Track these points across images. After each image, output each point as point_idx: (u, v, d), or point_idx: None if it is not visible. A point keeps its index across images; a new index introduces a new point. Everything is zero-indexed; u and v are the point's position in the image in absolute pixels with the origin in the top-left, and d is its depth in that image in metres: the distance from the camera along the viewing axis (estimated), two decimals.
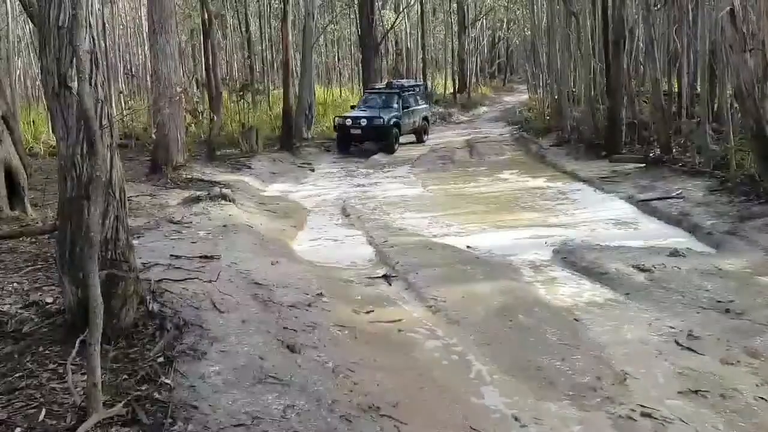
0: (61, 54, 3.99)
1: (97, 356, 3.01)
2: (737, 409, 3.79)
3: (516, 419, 3.75)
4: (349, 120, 17.63)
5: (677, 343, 4.66)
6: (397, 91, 19.04)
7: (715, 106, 12.69)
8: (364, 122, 17.46)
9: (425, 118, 20.46)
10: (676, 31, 13.09)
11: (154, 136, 13.48)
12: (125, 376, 3.60)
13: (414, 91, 20.21)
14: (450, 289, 5.83)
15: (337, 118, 18.37)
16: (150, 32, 12.65)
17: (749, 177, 8.79)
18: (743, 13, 7.91)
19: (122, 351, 3.89)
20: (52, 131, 4.41)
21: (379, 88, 19.95)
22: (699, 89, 14.19)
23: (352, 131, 17.53)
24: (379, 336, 4.88)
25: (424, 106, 20.66)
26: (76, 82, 3.96)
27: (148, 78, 20.72)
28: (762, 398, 3.89)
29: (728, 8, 7.94)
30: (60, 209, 4.15)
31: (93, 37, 4.12)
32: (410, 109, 19.17)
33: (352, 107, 19.35)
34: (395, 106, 18.51)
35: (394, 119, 18.04)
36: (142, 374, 3.60)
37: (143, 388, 3.47)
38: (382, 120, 17.55)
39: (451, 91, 30.84)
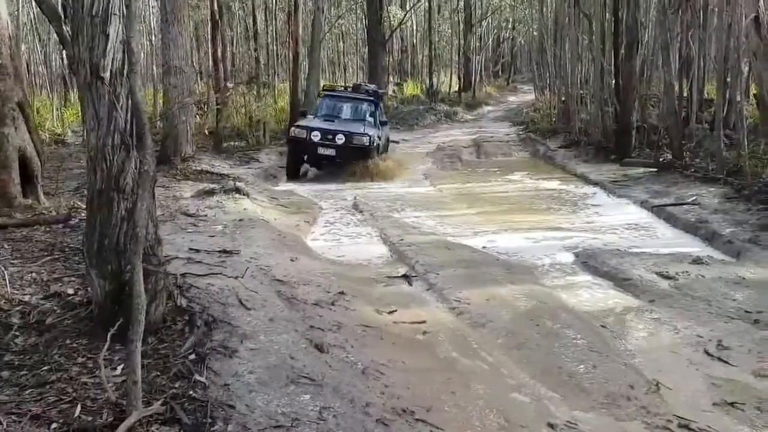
0: (93, 44, 3.91)
1: (138, 353, 2.94)
2: None
3: (551, 426, 3.70)
4: (316, 134, 12.91)
5: (707, 352, 4.62)
6: (373, 99, 14.78)
7: (724, 111, 12.64)
8: (340, 139, 12.92)
9: (388, 140, 16.00)
10: (691, 36, 13.03)
11: (160, 126, 13.40)
12: (157, 373, 3.53)
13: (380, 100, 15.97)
14: (473, 291, 5.77)
15: (294, 129, 13.37)
16: (162, 22, 12.56)
17: (767, 185, 8.75)
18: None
19: (152, 347, 3.82)
20: (82, 121, 4.33)
21: (346, 92, 15.22)
22: (707, 95, 14.17)
23: (322, 150, 12.95)
24: (404, 337, 4.82)
25: (386, 122, 16.12)
26: (108, 73, 3.92)
27: (155, 68, 20.64)
28: None
29: (753, 15, 7.89)
30: (89, 201, 4.07)
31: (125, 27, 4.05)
32: (383, 125, 15.20)
33: (303, 114, 14.64)
34: (371, 119, 14.25)
35: (377, 139, 13.75)
36: (175, 371, 3.53)
37: (177, 385, 3.40)
38: (368, 138, 13.13)
39: (456, 89, 30.77)
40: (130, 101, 3.84)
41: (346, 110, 14.41)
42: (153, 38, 23.48)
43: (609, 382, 4.17)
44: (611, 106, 15.50)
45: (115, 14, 3.91)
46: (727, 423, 3.74)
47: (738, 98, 11.63)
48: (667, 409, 3.85)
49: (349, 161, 12.91)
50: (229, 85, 17.28)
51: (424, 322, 5.13)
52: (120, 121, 3.87)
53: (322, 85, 16.15)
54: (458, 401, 3.90)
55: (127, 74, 3.88)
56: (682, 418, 3.74)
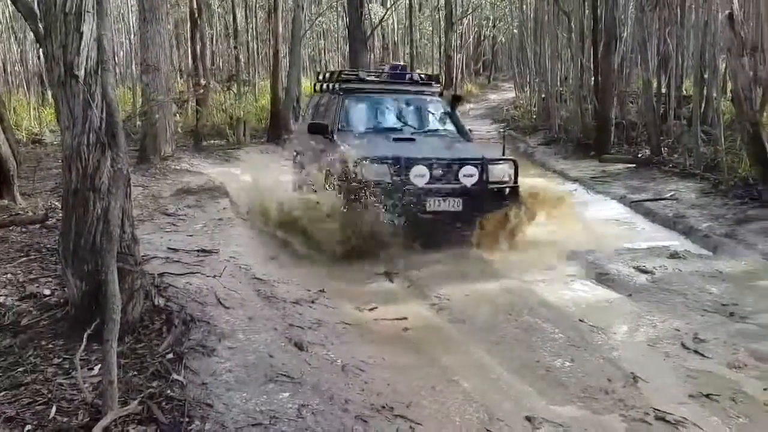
0: (67, 41, 3.87)
1: (114, 353, 2.92)
2: (748, 413, 3.80)
3: (529, 420, 3.72)
4: (421, 172, 6.92)
5: (684, 345, 4.67)
6: (437, 91, 9.11)
7: (702, 108, 12.80)
8: (469, 176, 7.05)
9: None
10: (668, 33, 13.16)
11: (139, 125, 13.29)
12: (134, 373, 3.51)
13: None
14: (453, 287, 5.79)
15: (366, 166, 6.89)
16: (140, 20, 12.44)
17: (743, 180, 8.86)
18: (742, 16, 7.95)
19: (129, 347, 3.79)
20: (57, 120, 4.28)
21: (384, 82, 9.04)
22: (685, 91, 14.34)
23: (436, 205, 6.92)
24: (385, 334, 4.84)
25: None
26: (82, 71, 3.88)
27: (134, 67, 20.48)
28: None
29: (727, 12, 7.99)
30: (65, 201, 4.03)
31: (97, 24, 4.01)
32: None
33: (318, 129, 8.20)
34: (461, 134, 8.48)
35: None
36: (152, 371, 3.51)
37: (154, 385, 3.38)
38: (502, 169, 7.29)
39: None
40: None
41: (406, 116, 8.41)
42: (132, 36, 23.28)
43: (587, 376, 4.20)
44: (590, 103, 15.62)
45: (88, 12, 3.87)
46: (702, 414, 3.79)
47: (715, 95, 11.78)
48: (644, 402, 3.89)
49: (479, 216, 7.07)
50: (209, 83, 17.19)
51: (405, 318, 5.15)
52: (95, 119, 3.83)
53: (330, 73, 9.86)
54: (437, 397, 3.91)
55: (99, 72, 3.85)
56: (658, 410, 3.78)
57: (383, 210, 6.65)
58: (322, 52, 33.67)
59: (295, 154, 9.98)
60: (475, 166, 7.00)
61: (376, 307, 5.37)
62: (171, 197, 8.72)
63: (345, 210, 6.71)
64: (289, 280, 5.78)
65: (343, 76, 8.91)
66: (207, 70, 17.41)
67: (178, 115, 15.81)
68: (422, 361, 4.41)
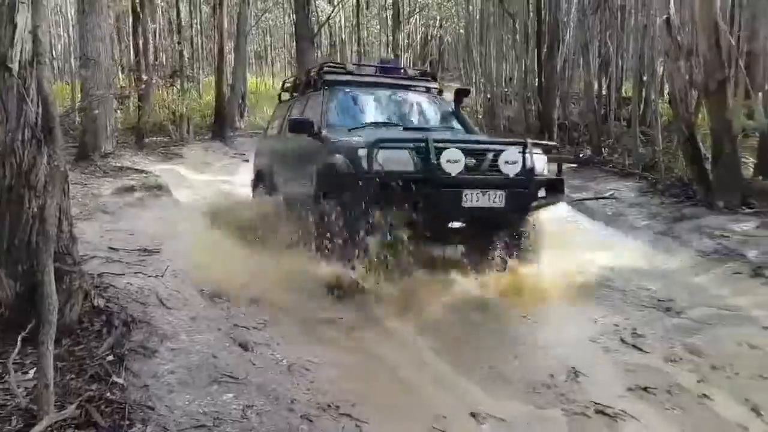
0: (0, 33, 3.73)
1: (50, 355, 2.82)
2: (683, 405, 3.94)
3: (474, 416, 3.76)
4: (455, 156, 5.26)
5: (622, 340, 4.81)
6: (434, 87, 7.83)
7: (641, 109, 13.20)
8: (511, 164, 5.51)
9: None
10: (609, 36, 13.53)
11: (79, 120, 12.91)
12: (72, 376, 3.40)
13: None
14: (401, 285, 5.79)
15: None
16: (79, 12, 12.08)
17: (679, 179, 9.18)
18: (678, 21, 8.23)
19: (67, 349, 3.67)
20: None
21: (377, 76, 7.73)
22: (625, 93, 14.76)
23: (474, 200, 5.37)
24: (332, 333, 4.81)
25: None
26: (16, 64, 3.74)
27: (73, 61, 19.87)
28: (705, 395, 4.05)
29: (664, 17, 8.25)
30: None
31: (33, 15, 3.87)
32: None
33: (302, 127, 6.58)
34: (469, 132, 7.29)
35: None
36: (92, 373, 3.41)
37: (93, 388, 3.28)
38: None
39: None
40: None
41: (405, 114, 7.14)
42: (70, 29, 22.58)
43: (529, 372, 4.28)
44: (534, 104, 15.93)
45: (23, 2, 3.73)
46: (640, 407, 3.90)
47: (653, 97, 12.15)
48: (584, 396, 3.98)
49: (524, 214, 5.98)
50: (152, 78, 16.81)
51: (352, 316, 5.13)
52: (31, 114, 3.69)
53: (306, 72, 8.02)
54: (383, 395, 3.92)
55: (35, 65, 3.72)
56: (598, 403, 3.88)
57: (405, 213, 5.25)
58: (269, 49, 33.34)
59: (257, 173, 8.46)
60: (518, 151, 5.47)
61: (324, 307, 5.32)
62: (112, 195, 8.51)
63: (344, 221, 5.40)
64: (236, 278, 5.68)
65: (326, 68, 7.37)
66: (150, 65, 17.00)
67: (119, 111, 15.43)
68: (369, 360, 4.41)
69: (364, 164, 5.19)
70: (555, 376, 4.23)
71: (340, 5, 29.76)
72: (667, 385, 4.13)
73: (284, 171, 7.40)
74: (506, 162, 5.43)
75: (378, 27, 33.82)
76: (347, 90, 7.06)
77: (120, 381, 3.36)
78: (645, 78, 12.41)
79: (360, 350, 4.55)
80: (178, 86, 19.31)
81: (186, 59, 22.56)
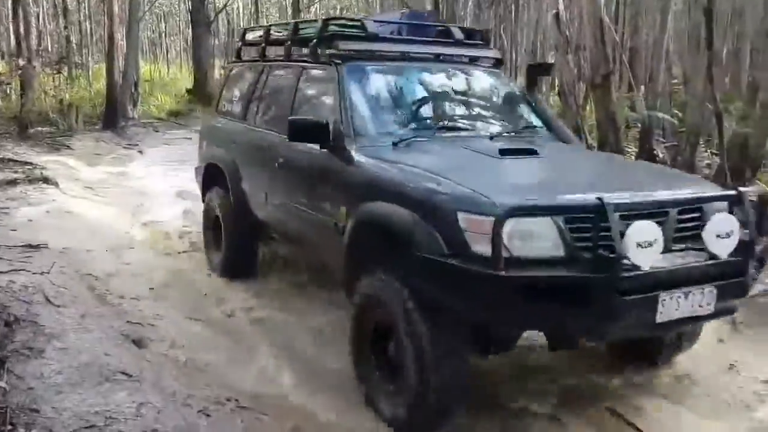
0: None
1: None
2: None
3: None
4: (652, 237, 2.92)
5: None
6: (496, 59, 5.19)
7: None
8: (728, 244, 3.17)
9: None
10: (503, 29, 13.97)
11: None
12: None
13: None
14: None
15: (515, 227, 2.90)
16: None
17: None
18: (567, 17, 8.61)
19: None
20: None
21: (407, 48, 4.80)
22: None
23: (682, 308, 3.05)
24: (233, 328, 4.73)
25: None
26: None
27: None
28: None
29: (554, 12, 8.60)
30: None
31: None
32: None
33: (314, 130, 4.07)
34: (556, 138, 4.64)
35: None
36: None
37: None
38: None
39: None
40: None
41: (461, 106, 4.80)
42: None
43: None
44: None
45: None
46: None
47: (545, 89, 12.67)
48: None
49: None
50: (35, 65, 15.82)
51: (252, 308, 5.05)
52: None
53: (295, 22, 5.63)
54: (284, 387, 3.91)
55: None
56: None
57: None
58: (163, 35, 32.21)
59: (208, 169, 5.93)
60: (730, 211, 3.34)
61: (224, 300, 5.23)
62: None
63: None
64: (128, 274, 5.50)
65: (334, 27, 4.75)
66: (33, 51, 15.98)
67: None
68: (272, 353, 4.36)
69: (480, 247, 2.94)
70: None
71: None
72: None
73: (269, 183, 4.97)
74: (718, 235, 3.16)
75: (278, 15, 33.37)
76: (373, 68, 4.55)
77: (2, 385, 3.19)
78: None
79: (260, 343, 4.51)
80: (66, 73, 18.31)
81: (74, 45, 21.44)
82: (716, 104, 7.68)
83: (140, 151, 13.39)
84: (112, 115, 15.65)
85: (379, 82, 4.55)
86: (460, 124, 4.48)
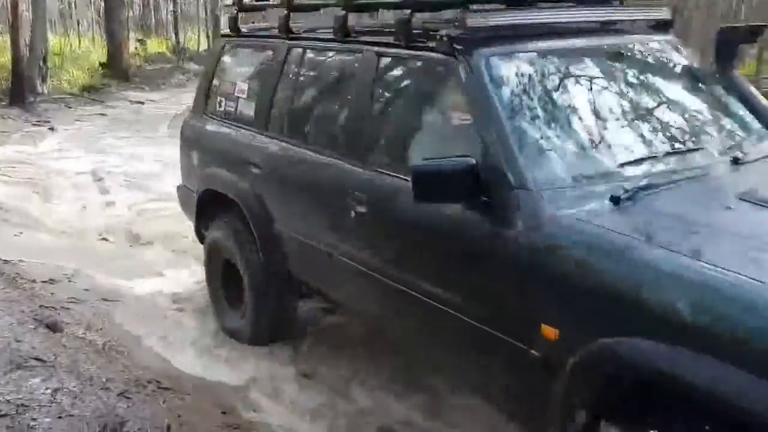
0: None
1: None
2: None
3: None
4: None
5: None
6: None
7: None
8: None
9: None
10: None
11: None
12: None
13: None
14: None
15: None
16: None
17: None
18: None
19: None
20: None
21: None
22: None
23: None
24: (151, 308, 4.65)
25: None
26: None
27: None
28: None
29: None
30: None
31: None
32: None
33: (457, 181, 2.29)
34: None
35: None
36: None
37: None
38: None
39: (205, 47, 29.74)
40: None
41: (647, 110, 2.82)
42: None
43: None
44: None
45: None
46: None
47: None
48: None
49: None
50: None
51: (175, 291, 4.96)
52: None
53: None
54: (207, 368, 3.90)
55: None
56: None
57: None
58: (73, 6, 30.69)
59: (204, 198, 4.35)
60: None
61: (141, 280, 5.12)
62: None
63: None
64: (39, 257, 5.29)
65: None
66: None
67: None
68: (194, 334, 4.32)
69: None
70: None
71: None
72: None
73: (337, 238, 3.23)
74: None
75: None
76: (532, 57, 2.76)
77: None
78: None
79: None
80: None
81: None
82: None
83: (51, 128, 12.74)
84: (19, 91, 14.90)
85: (548, 83, 2.72)
86: (685, 145, 2.76)
